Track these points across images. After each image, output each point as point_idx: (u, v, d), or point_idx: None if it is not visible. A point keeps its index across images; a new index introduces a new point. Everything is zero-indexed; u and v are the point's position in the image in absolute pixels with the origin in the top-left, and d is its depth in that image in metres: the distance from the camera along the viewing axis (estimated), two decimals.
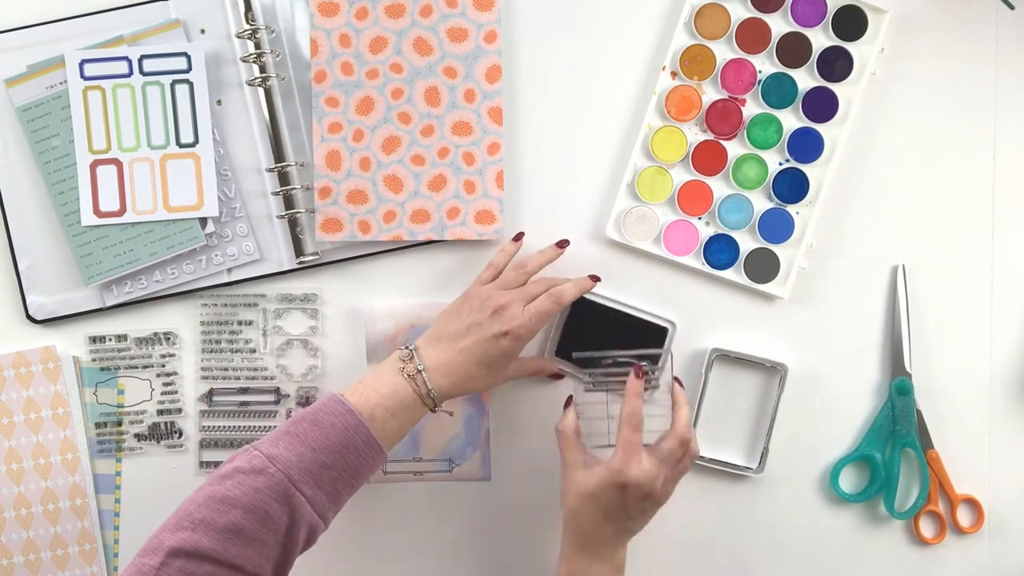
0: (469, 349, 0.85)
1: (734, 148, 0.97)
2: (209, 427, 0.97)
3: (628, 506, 0.84)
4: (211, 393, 0.97)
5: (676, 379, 0.90)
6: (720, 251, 0.97)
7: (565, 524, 0.87)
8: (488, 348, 0.85)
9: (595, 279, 0.93)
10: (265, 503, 0.77)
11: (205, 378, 0.97)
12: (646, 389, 0.89)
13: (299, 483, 0.78)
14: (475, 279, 0.92)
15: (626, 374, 0.88)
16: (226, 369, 0.97)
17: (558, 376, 0.96)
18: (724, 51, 0.96)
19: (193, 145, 0.95)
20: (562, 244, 0.94)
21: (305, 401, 0.97)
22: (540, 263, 0.93)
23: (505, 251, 0.93)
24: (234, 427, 0.97)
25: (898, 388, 0.97)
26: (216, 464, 0.97)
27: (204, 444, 0.97)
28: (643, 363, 0.89)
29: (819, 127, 0.96)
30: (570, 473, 0.87)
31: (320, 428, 0.80)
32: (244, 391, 0.97)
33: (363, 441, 0.81)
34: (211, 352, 0.97)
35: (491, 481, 0.98)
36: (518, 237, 0.94)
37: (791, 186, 0.96)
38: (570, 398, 0.91)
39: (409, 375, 0.84)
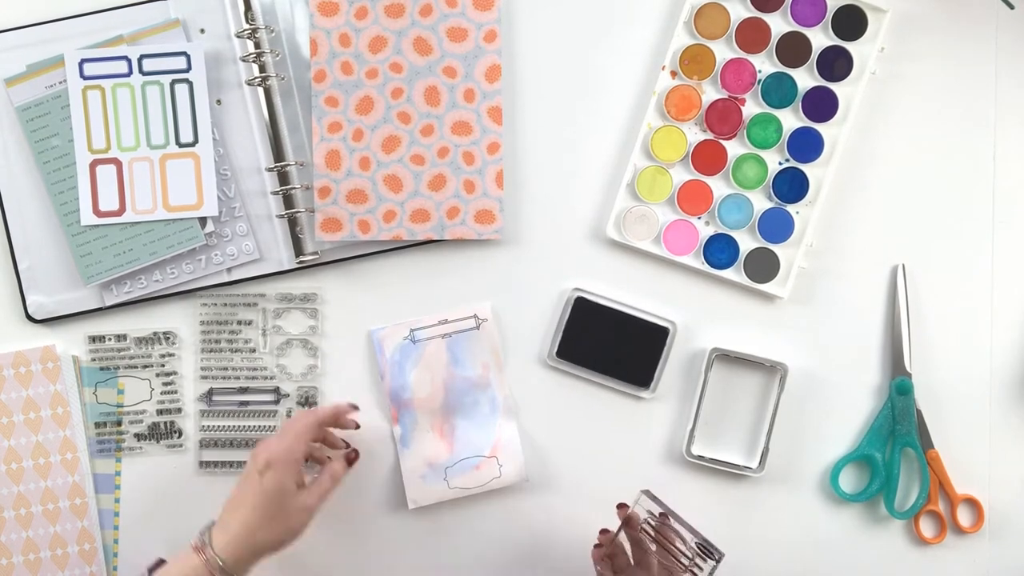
0: (243, 501, 0.83)
1: (734, 148, 0.97)
2: (209, 427, 0.97)
3: None
4: (211, 393, 0.97)
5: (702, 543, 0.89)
6: (720, 251, 0.97)
7: None
8: (255, 489, 0.83)
9: (354, 407, 0.94)
10: None
11: (204, 378, 0.97)
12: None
13: None
14: None
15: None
16: (226, 369, 0.97)
17: (352, 460, 0.93)
18: (724, 51, 0.96)
19: (193, 145, 0.95)
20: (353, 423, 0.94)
21: (305, 401, 0.97)
22: (314, 411, 0.91)
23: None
24: (234, 427, 0.97)
25: (898, 388, 0.97)
26: (217, 464, 0.97)
27: (204, 444, 0.97)
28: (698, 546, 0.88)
29: (819, 127, 0.96)
30: None
31: None
32: (244, 391, 0.97)
33: None
34: (211, 352, 0.97)
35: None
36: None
37: (791, 186, 0.96)
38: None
39: (196, 548, 0.83)
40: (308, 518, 0.86)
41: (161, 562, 0.85)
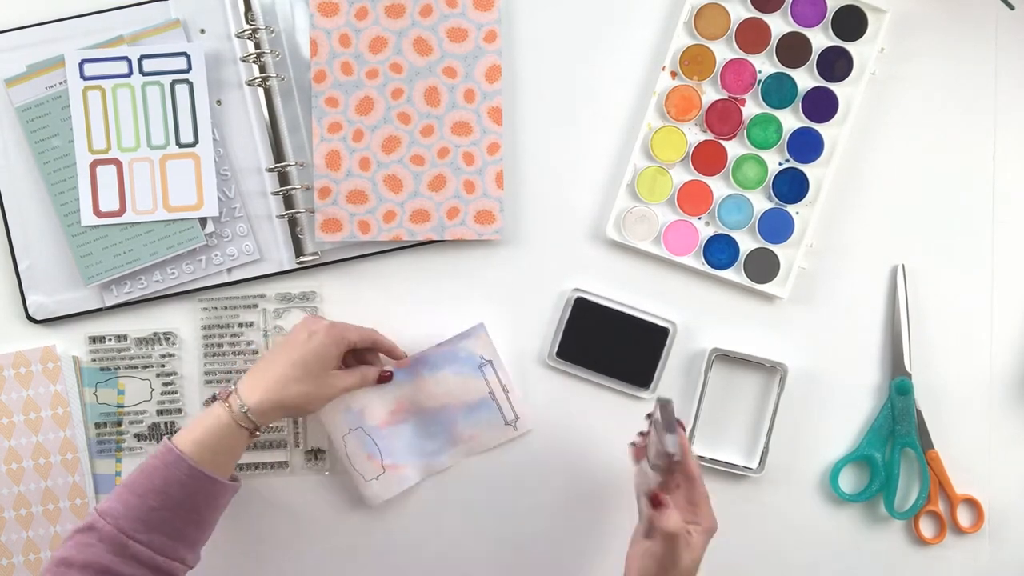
0: (278, 353, 0.87)
1: (734, 148, 0.97)
2: None
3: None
4: (215, 398, 0.97)
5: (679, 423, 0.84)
6: (720, 251, 0.97)
7: None
8: (299, 346, 0.87)
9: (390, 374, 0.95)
10: (100, 557, 0.78)
11: (209, 382, 0.97)
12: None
13: (130, 532, 0.79)
14: None
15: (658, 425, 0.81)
16: (229, 372, 0.97)
17: (385, 378, 0.95)
18: (724, 51, 0.96)
19: (193, 145, 0.95)
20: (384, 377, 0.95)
21: None
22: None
23: None
24: None
25: (898, 388, 0.97)
26: None
27: None
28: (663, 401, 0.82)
29: (819, 127, 0.96)
30: (680, 565, 0.80)
31: (143, 473, 0.82)
32: None
33: (186, 475, 0.82)
34: (213, 356, 0.97)
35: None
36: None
37: (791, 186, 0.96)
38: (657, 498, 0.80)
39: (221, 400, 0.85)
40: (335, 394, 0.90)
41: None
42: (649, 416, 0.85)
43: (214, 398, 0.87)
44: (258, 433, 0.86)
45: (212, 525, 0.85)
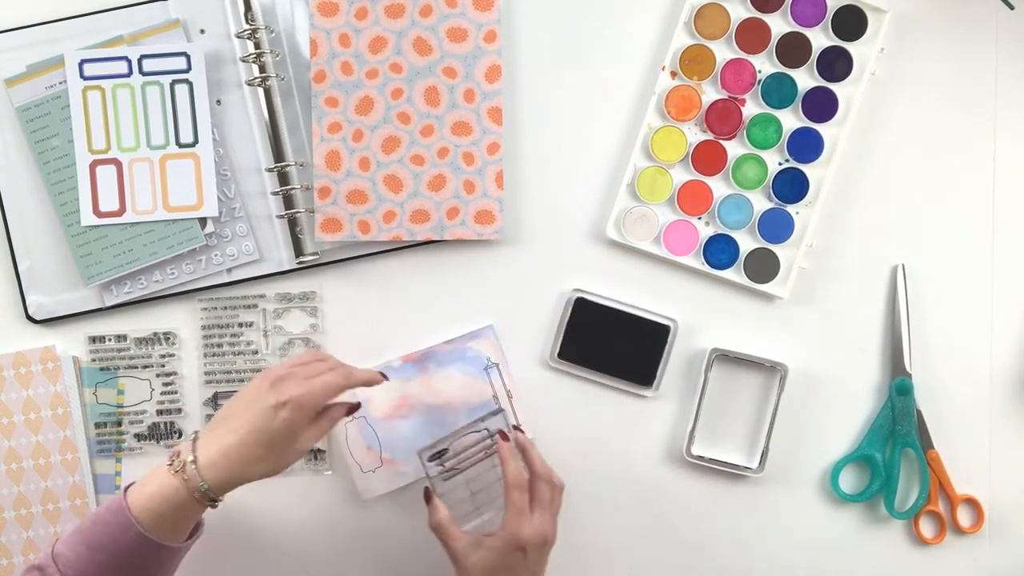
0: (245, 428, 0.79)
1: (734, 148, 0.97)
2: None
3: (531, 562, 0.85)
4: (215, 397, 0.97)
5: (516, 427, 0.93)
6: (720, 251, 0.97)
7: None
8: (266, 423, 0.79)
9: (384, 377, 0.88)
10: None
11: (209, 382, 0.97)
12: (489, 447, 0.92)
13: None
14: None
15: (476, 446, 0.91)
16: (229, 372, 0.97)
17: (354, 409, 0.88)
18: (724, 51, 0.96)
19: (193, 145, 0.95)
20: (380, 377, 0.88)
21: None
22: (342, 365, 0.86)
23: (315, 354, 0.87)
24: None
25: (898, 388, 0.97)
26: None
27: None
28: (482, 429, 0.91)
29: (819, 127, 0.96)
30: (462, 561, 0.85)
31: (97, 526, 0.79)
32: None
33: (135, 540, 0.78)
34: (213, 356, 0.97)
35: None
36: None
37: (791, 186, 0.96)
38: (428, 491, 0.89)
39: (176, 470, 0.79)
40: (300, 457, 0.83)
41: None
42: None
43: (177, 455, 0.80)
44: (217, 504, 0.80)
45: None
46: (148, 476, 0.81)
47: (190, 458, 0.79)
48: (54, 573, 0.78)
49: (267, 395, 0.80)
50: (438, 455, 0.91)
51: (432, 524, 0.87)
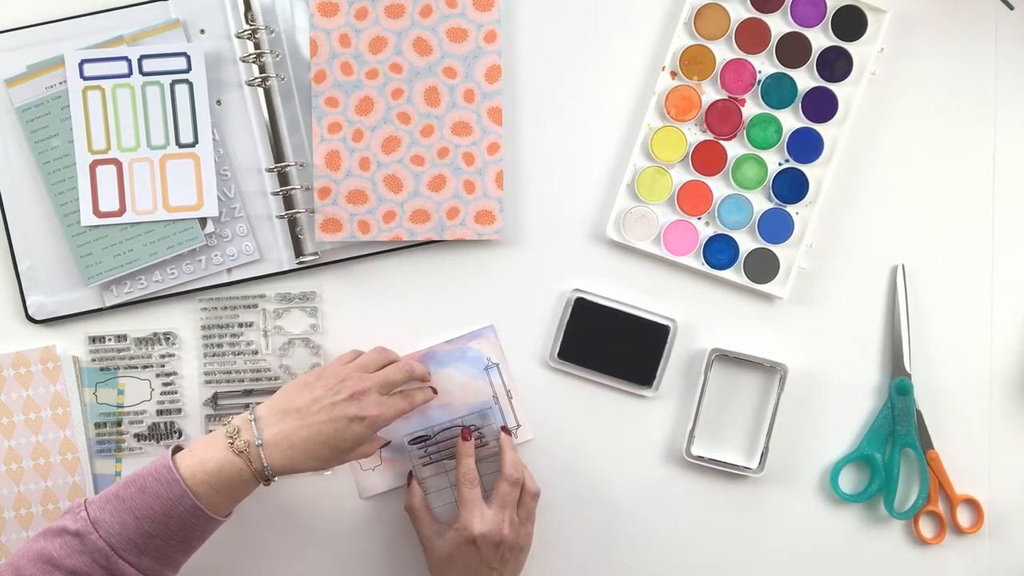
0: (318, 428, 0.82)
1: (734, 148, 0.97)
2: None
3: (486, 558, 0.88)
4: (216, 397, 0.97)
5: (503, 428, 0.95)
6: (720, 251, 0.97)
7: None
8: (339, 430, 0.83)
9: (434, 391, 0.93)
10: (87, 568, 0.77)
11: (209, 382, 0.97)
12: (479, 447, 0.95)
13: (121, 551, 0.78)
14: (336, 357, 0.92)
15: (455, 439, 0.94)
16: (229, 372, 0.97)
17: (385, 444, 0.92)
18: (724, 51, 0.96)
19: (193, 145, 0.95)
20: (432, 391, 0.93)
21: None
22: (407, 361, 0.92)
23: (384, 354, 0.91)
24: None
25: (898, 388, 0.97)
26: None
27: None
28: (470, 425, 0.95)
29: (819, 127, 0.96)
30: (427, 545, 0.92)
31: (145, 495, 0.79)
32: (248, 393, 0.97)
33: (188, 512, 0.79)
34: (213, 356, 0.97)
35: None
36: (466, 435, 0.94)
37: (791, 186, 0.96)
38: (410, 474, 0.95)
39: (239, 450, 0.81)
40: (354, 459, 0.87)
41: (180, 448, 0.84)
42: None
43: (236, 432, 0.82)
44: (270, 483, 0.83)
45: (197, 550, 0.84)
46: (203, 450, 0.82)
47: (256, 440, 0.81)
48: (96, 540, 0.77)
49: (347, 406, 0.83)
50: (420, 440, 0.95)
51: (406, 505, 0.94)
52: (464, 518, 0.89)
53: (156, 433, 0.97)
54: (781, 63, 0.96)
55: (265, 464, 0.81)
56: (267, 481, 0.82)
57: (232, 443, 0.81)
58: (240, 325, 0.97)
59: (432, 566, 0.92)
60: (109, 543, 0.78)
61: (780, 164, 0.97)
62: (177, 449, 0.83)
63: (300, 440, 0.82)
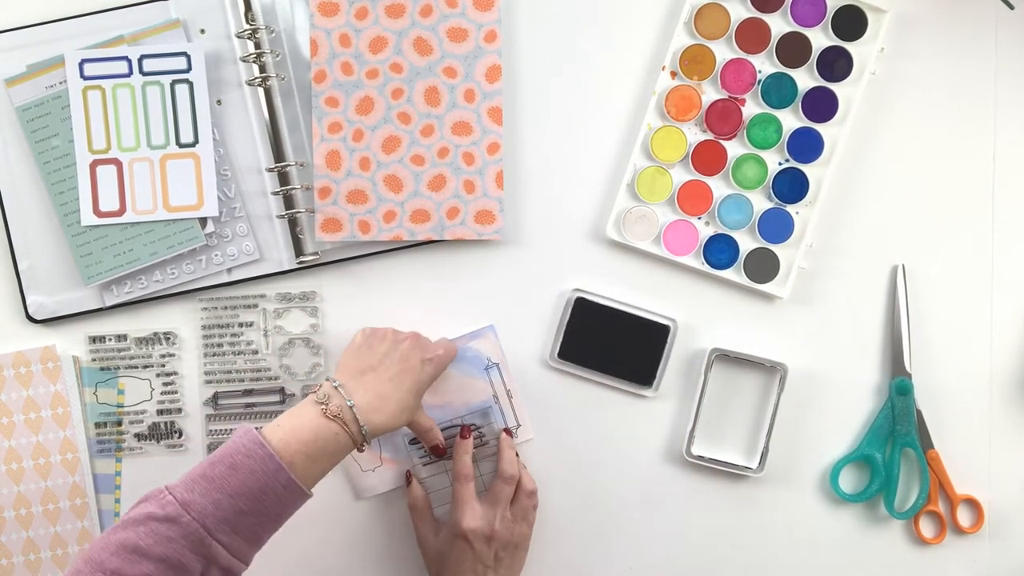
0: (399, 377, 0.86)
1: (734, 148, 0.97)
2: (216, 431, 0.97)
3: (480, 555, 0.89)
4: (216, 397, 0.97)
5: (505, 429, 0.96)
6: (720, 251, 0.97)
7: None
8: (418, 375, 0.87)
9: (465, 435, 0.94)
10: (179, 553, 0.74)
11: (209, 382, 0.97)
12: (479, 446, 0.96)
13: (215, 531, 0.75)
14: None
15: (455, 438, 0.94)
16: (229, 372, 0.97)
17: (438, 451, 0.94)
18: (724, 51, 0.96)
19: (193, 145, 0.95)
20: (465, 434, 0.95)
21: None
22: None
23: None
24: None
25: (898, 388, 0.97)
26: None
27: (212, 448, 0.97)
28: (471, 424, 0.95)
29: (819, 127, 0.96)
30: (425, 543, 0.93)
31: (237, 473, 0.76)
32: (249, 392, 0.97)
33: (283, 486, 0.77)
34: (213, 356, 0.97)
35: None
36: (465, 434, 0.95)
37: (791, 186, 0.96)
38: (408, 474, 0.96)
39: (333, 415, 0.80)
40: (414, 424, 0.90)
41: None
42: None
43: (327, 399, 0.82)
44: (364, 449, 0.83)
45: (281, 527, 0.82)
46: (293, 420, 0.80)
47: (348, 402, 0.82)
48: (190, 522, 0.74)
49: (413, 351, 0.88)
50: (417, 440, 0.95)
51: (409, 502, 0.95)
52: (456, 514, 0.90)
53: (156, 433, 0.97)
54: (781, 63, 0.96)
55: (362, 424, 0.81)
56: (363, 445, 0.82)
57: (325, 409, 0.81)
58: (240, 325, 0.97)
59: (428, 565, 0.92)
60: (203, 524, 0.74)
61: (780, 164, 0.97)
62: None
63: (388, 393, 0.84)
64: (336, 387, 0.83)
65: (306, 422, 0.80)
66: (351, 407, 0.82)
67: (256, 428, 0.79)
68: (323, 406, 0.81)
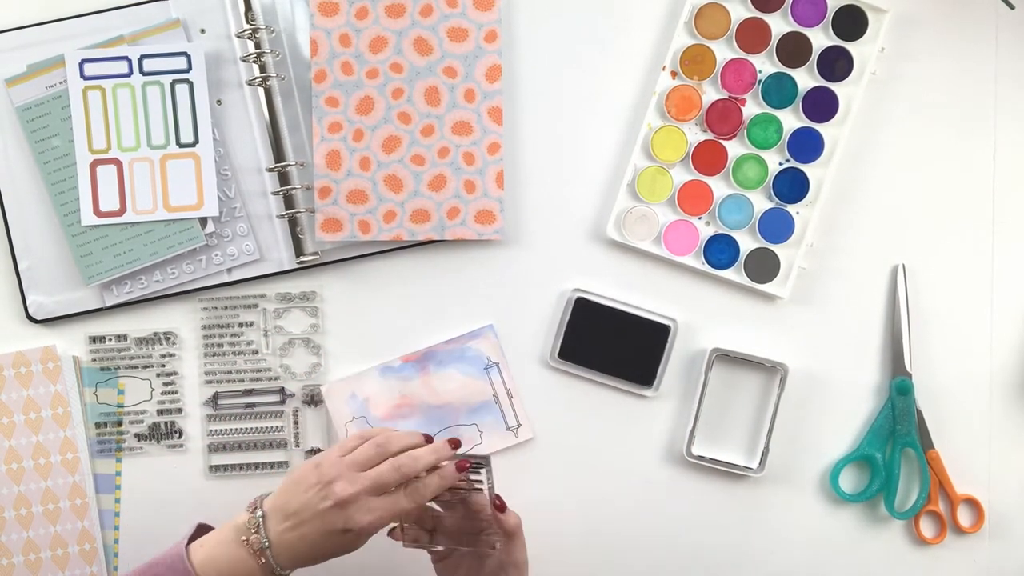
0: (312, 537, 0.80)
1: (734, 148, 0.97)
2: (216, 431, 0.97)
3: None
4: (216, 397, 0.97)
5: (496, 500, 0.86)
6: (720, 251, 0.97)
7: None
8: (332, 540, 0.80)
9: (461, 468, 0.83)
10: None
11: (209, 382, 0.97)
12: (463, 489, 0.86)
13: None
14: (338, 444, 0.84)
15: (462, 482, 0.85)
16: (229, 372, 0.97)
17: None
18: (724, 51, 0.96)
19: (193, 145, 0.95)
20: (454, 443, 0.84)
21: (311, 400, 0.97)
22: (406, 445, 0.82)
23: (380, 449, 0.82)
24: (241, 429, 0.97)
25: (898, 388, 0.97)
26: (227, 468, 0.97)
27: (212, 448, 0.97)
28: (469, 457, 0.85)
29: (819, 127, 0.96)
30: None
31: None
32: (249, 392, 0.97)
33: None
34: (213, 356, 0.97)
35: None
36: (455, 444, 0.85)
37: (791, 186, 0.96)
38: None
39: (254, 549, 0.79)
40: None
41: (202, 529, 0.83)
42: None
43: (254, 530, 0.80)
44: None
45: None
46: (215, 545, 0.81)
47: (264, 542, 0.80)
48: None
49: (334, 515, 0.79)
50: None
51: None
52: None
53: (156, 433, 0.97)
54: (781, 63, 0.96)
55: (276, 566, 0.80)
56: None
57: (246, 540, 0.80)
58: (240, 325, 0.97)
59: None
60: None
61: (780, 164, 0.97)
62: (197, 533, 0.82)
63: (302, 548, 0.80)
64: (259, 520, 0.80)
65: (228, 550, 0.80)
66: (266, 548, 0.80)
67: (188, 543, 0.81)
68: (245, 538, 0.80)
